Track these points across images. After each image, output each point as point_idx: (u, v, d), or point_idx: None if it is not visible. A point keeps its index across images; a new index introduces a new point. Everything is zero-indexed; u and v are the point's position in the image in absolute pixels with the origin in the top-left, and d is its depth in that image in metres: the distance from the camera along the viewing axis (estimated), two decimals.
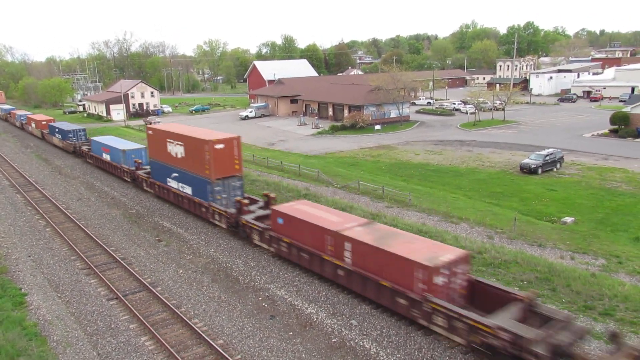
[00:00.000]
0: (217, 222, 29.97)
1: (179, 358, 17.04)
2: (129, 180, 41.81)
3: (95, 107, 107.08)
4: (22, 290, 22.90)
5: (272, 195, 29.27)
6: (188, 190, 32.50)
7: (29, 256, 27.16)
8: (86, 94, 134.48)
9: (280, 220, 24.63)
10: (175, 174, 33.62)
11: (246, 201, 28.96)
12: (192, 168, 31.60)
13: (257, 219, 27.36)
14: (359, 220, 22.92)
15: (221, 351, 17.34)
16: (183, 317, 19.82)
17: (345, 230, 21.23)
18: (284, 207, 25.30)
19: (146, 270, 24.92)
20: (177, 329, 19.33)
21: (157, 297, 21.68)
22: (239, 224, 28.01)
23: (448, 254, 18.37)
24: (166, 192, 35.37)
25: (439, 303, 17.00)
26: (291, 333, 18.84)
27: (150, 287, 22.52)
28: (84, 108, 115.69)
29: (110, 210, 35.47)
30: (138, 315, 20.09)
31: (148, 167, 39.15)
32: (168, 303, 21.00)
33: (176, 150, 33.07)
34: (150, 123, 78.49)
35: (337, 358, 17.18)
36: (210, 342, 17.96)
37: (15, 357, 17.34)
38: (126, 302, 21.25)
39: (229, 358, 16.92)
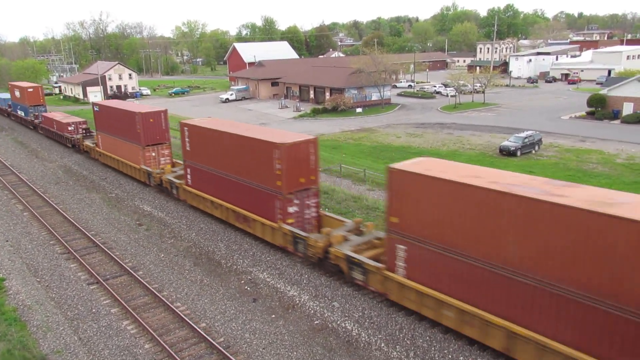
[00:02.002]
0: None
1: (161, 341, 17.04)
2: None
3: (71, 89, 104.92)
4: (0, 275, 22.56)
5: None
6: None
7: (7, 241, 26.71)
8: (62, 76, 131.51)
9: None
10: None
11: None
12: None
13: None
14: None
15: (204, 334, 17.39)
16: (165, 300, 19.77)
17: None
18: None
19: (127, 254, 24.73)
20: (159, 312, 19.29)
21: (139, 281, 21.57)
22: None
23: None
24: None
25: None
26: (274, 316, 18.96)
27: (132, 271, 22.39)
28: (60, 90, 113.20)
29: (90, 194, 34.98)
30: (119, 299, 19.98)
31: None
32: (149, 287, 20.91)
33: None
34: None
35: (320, 340, 17.37)
36: (193, 325, 17.98)
37: None
38: (107, 286, 21.10)
39: (211, 341, 16.98)
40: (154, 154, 35.20)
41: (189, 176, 29.61)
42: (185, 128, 29.15)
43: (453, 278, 16.19)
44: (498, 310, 15.09)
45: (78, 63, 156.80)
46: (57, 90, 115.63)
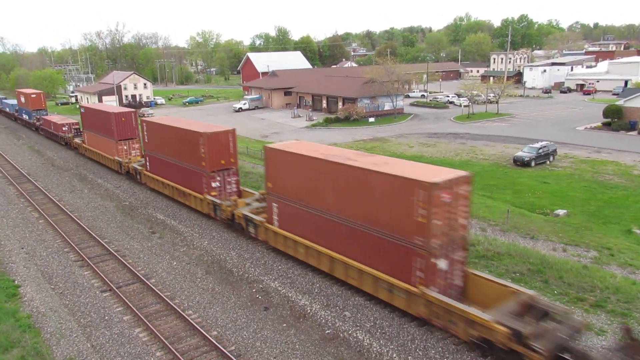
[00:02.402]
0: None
1: (173, 349, 17.07)
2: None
3: (87, 98, 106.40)
4: (16, 282, 22.82)
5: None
6: None
7: (22, 248, 27.03)
8: (78, 85, 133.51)
9: None
10: None
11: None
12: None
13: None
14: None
15: (215, 342, 17.39)
16: (177, 308, 19.83)
17: None
18: None
19: (140, 262, 24.88)
20: (171, 320, 19.34)
21: (151, 289, 21.67)
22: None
23: None
24: None
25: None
26: (285, 324, 18.91)
27: (144, 279, 22.50)
28: (77, 99, 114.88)
29: (104, 202, 35.32)
30: (132, 307, 20.08)
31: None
32: (162, 295, 21.00)
33: None
34: (144, 115, 78.19)
35: (331, 349, 17.27)
36: (205, 333, 17.99)
37: (9, 348, 17.31)
38: (120, 294, 21.23)
39: (223, 349, 16.97)
40: (125, 147, 41.88)
41: (148, 163, 35.94)
42: (144, 124, 35.34)
43: (303, 224, 22.33)
44: (326, 244, 21.15)
45: (94, 73, 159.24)
46: (73, 100, 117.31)
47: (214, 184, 29.49)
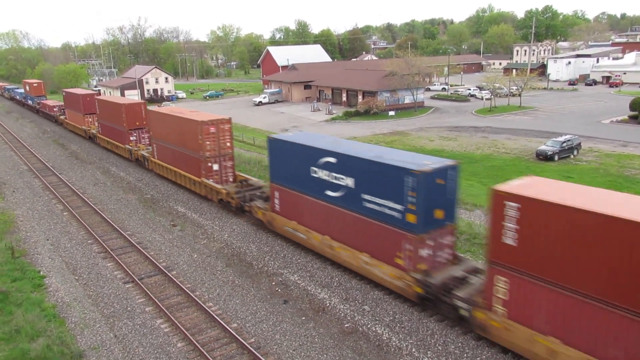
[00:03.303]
0: None
1: (193, 341, 17.30)
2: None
3: (110, 92, 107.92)
4: (41, 272, 23.35)
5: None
6: None
7: (47, 239, 27.63)
8: (101, 80, 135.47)
9: None
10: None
11: None
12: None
13: None
14: None
15: (235, 334, 17.56)
16: (198, 300, 20.07)
17: None
18: None
19: (161, 254, 25.23)
20: (191, 312, 19.59)
21: (172, 281, 21.97)
22: None
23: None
24: None
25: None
26: (304, 318, 19.00)
27: (166, 271, 22.82)
28: (99, 94, 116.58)
29: (126, 195, 35.85)
30: (154, 298, 20.39)
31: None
32: (183, 287, 21.27)
33: None
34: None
35: (350, 343, 17.30)
36: (225, 325, 18.18)
37: (35, 337, 17.75)
38: (142, 285, 21.57)
39: (242, 341, 17.13)
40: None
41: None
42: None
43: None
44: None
45: (117, 67, 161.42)
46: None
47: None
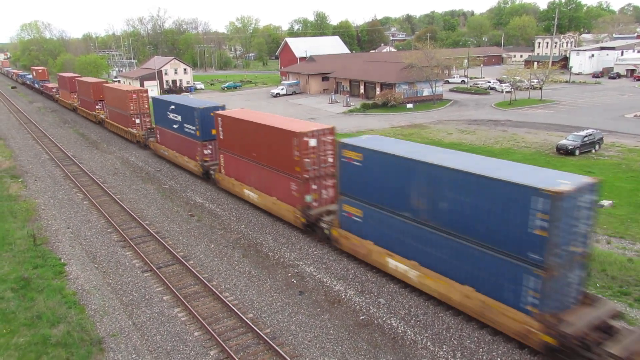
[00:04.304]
0: None
1: (210, 330, 17.49)
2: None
3: (130, 83, 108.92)
4: (62, 260, 23.79)
5: None
6: None
7: (68, 228, 28.12)
8: (121, 71, 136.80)
9: None
10: None
11: None
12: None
13: None
14: None
15: (251, 324, 17.71)
16: (214, 290, 20.27)
17: None
18: None
19: (179, 244, 25.51)
20: (208, 301, 19.80)
21: (190, 271, 22.21)
22: None
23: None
24: None
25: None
26: (319, 309, 19.07)
27: (183, 261, 23.08)
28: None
29: (145, 185, 36.27)
30: (171, 287, 20.65)
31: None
32: (200, 276, 21.49)
33: None
34: None
35: (365, 335, 17.33)
36: (241, 315, 18.34)
37: (56, 323, 18.13)
38: (160, 274, 21.84)
39: (258, 332, 17.28)
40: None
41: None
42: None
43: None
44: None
45: (136, 58, 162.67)
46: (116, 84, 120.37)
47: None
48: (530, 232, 14.49)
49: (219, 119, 31.26)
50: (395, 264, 19.77)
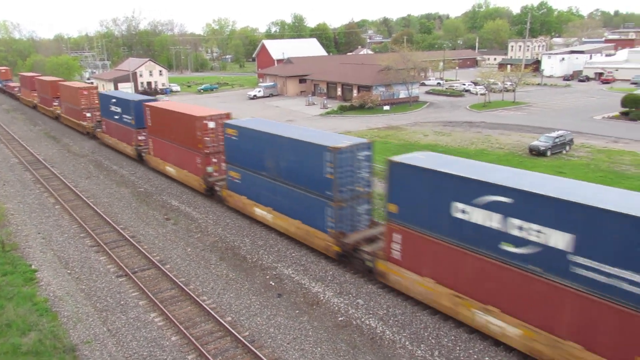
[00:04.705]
0: None
1: (187, 334, 17.28)
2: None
3: (103, 85, 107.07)
4: (32, 266, 23.22)
5: None
6: None
7: (39, 233, 27.46)
8: (94, 72, 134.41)
9: None
10: None
11: None
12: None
13: None
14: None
15: (229, 328, 17.56)
16: (192, 294, 20.04)
17: None
18: None
19: (155, 248, 25.16)
20: (185, 306, 19.57)
21: (166, 275, 21.92)
22: None
23: None
24: None
25: None
26: (298, 311, 19.02)
27: (159, 265, 22.76)
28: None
29: (119, 188, 35.68)
30: (147, 292, 20.34)
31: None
32: (177, 280, 21.23)
33: None
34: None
35: (344, 336, 17.35)
36: (219, 319, 18.18)
37: (27, 331, 17.66)
38: (135, 279, 21.50)
39: (237, 335, 17.14)
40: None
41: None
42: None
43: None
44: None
45: (110, 60, 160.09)
46: None
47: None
48: (325, 176, 21.24)
49: (147, 109, 37.12)
50: (260, 212, 26.58)
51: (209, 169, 31.30)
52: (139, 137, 40.65)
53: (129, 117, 40.92)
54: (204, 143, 30.70)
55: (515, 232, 14.77)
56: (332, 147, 20.57)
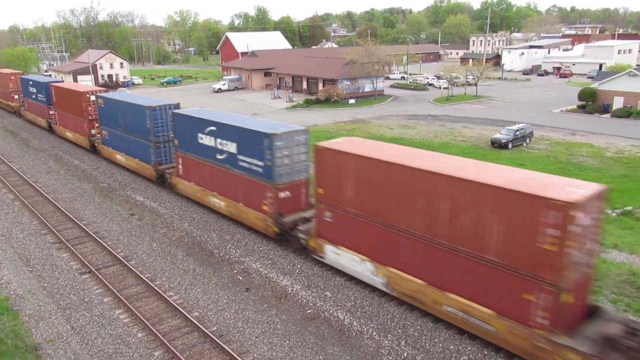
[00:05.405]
0: None
1: (154, 330, 17.12)
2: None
3: (62, 77, 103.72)
4: None
5: None
6: None
7: None
8: (52, 64, 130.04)
9: None
10: None
11: None
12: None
13: None
14: None
15: (197, 323, 17.48)
16: (158, 290, 19.82)
17: None
18: None
19: (119, 244, 24.71)
20: (152, 302, 19.34)
21: (131, 271, 21.59)
22: None
23: None
24: None
25: None
26: (266, 305, 19.08)
27: (124, 261, 22.39)
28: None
29: (81, 183, 34.82)
30: (112, 288, 20.00)
31: None
32: (142, 276, 20.94)
33: None
34: None
35: (312, 328, 17.52)
36: (186, 314, 18.06)
37: None
38: (99, 275, 21.10)
39: (204, 330, 17.08)
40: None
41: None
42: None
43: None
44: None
45: (69, 51, 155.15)
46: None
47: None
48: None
49: (52, 89, 47.00)
50: (119, 157, 36.90)
51: (93, 131, 41.25)
52: (50, 112, 49.65)
53: (42, 96, 50.57)
54: (87, 111, 40.56)
55: (219, 147, 25.90)
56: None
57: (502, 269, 14.46)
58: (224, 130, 25.21)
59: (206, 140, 26.57)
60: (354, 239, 19.51)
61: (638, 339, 13.09)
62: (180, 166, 29.67)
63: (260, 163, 23.44)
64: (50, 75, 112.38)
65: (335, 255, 20.45)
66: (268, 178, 23.16)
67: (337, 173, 19.33)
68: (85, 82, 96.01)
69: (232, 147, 24.94)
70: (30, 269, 22.21)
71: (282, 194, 23.28)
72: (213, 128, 25.99)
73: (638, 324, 13.90)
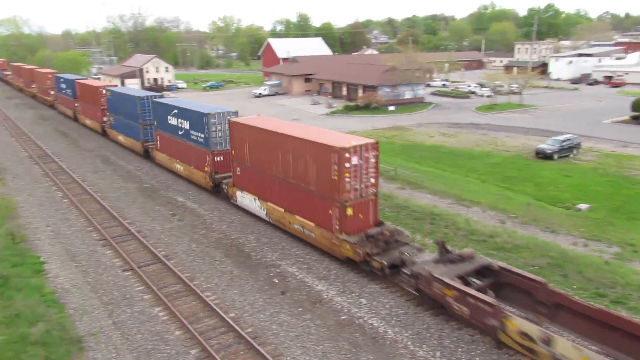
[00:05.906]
0: None
1: (191, 329, 17.44)
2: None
3: (110, 80, 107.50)
4: (41, 258, 23.45)
5: None
6: None
7: (47, 226, 27.70)
8: (101, 68, 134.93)
9: None
10: None
11: None
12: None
13: None
14: None
15: (232, 324, 17.70)
16: (196, 289, 20.20)
17: None
18: None
19: (160, 243, 25.34)
20: (190, 301, 19.72)
21: (171, 270, 22.09)
22: None
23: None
24: None
25: None
26: (301, 309, 19.15)
27: (164, 260, 22.94)
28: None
29: (126, 183, 35.91)
30: (152, 286, 20.52)
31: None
32: (181, 276, 21.40)
33: None
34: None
35: (346, 335, 17.46)
36: (222, 314, 18.32)
37: (35, 322, 17.88)
38: (141, 273, 21.69)
39: (240, 331, 17.28)
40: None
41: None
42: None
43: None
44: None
45: (117, 56, 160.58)
46: None
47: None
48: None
49: (76, 85, 57.14)
50: (120, 138, 45.79)
51: (105, 119, 49.60)
52: (75, 104, 59.43)
53: (70, 91, 60.57)
54: (100, 103, 49.44)
55: (180, 125, 33.72)
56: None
57: (317, 194, 22.34)
58: (182, 113, 33.15)
59: (172, 121, 34.56)
60: (251, 185, 27.32)
61: (383, 235, 20.87)
62: (158, 142, 38.35)
63: (202, 135, 31.01)
64: (99, 79, 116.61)
65: (242, 198, 28.20)
66: (207, 146, 30.78)
67: (240, 139, 27.05)
68: (132, 86, 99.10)
69: (187, 125, 32.81)
70: (76, 264, 23.04)
71: (217, 158, 31.01)
72: (176, 111, 33.95)
73: (390, 227, 21.75)
